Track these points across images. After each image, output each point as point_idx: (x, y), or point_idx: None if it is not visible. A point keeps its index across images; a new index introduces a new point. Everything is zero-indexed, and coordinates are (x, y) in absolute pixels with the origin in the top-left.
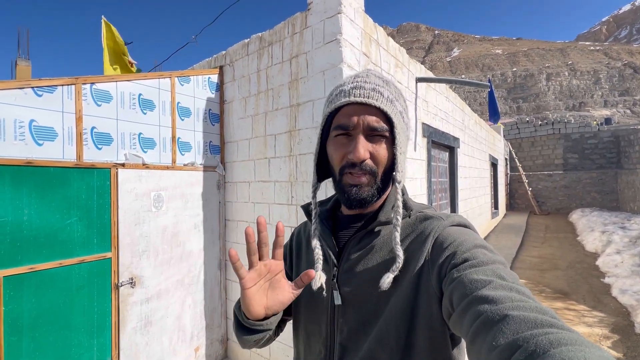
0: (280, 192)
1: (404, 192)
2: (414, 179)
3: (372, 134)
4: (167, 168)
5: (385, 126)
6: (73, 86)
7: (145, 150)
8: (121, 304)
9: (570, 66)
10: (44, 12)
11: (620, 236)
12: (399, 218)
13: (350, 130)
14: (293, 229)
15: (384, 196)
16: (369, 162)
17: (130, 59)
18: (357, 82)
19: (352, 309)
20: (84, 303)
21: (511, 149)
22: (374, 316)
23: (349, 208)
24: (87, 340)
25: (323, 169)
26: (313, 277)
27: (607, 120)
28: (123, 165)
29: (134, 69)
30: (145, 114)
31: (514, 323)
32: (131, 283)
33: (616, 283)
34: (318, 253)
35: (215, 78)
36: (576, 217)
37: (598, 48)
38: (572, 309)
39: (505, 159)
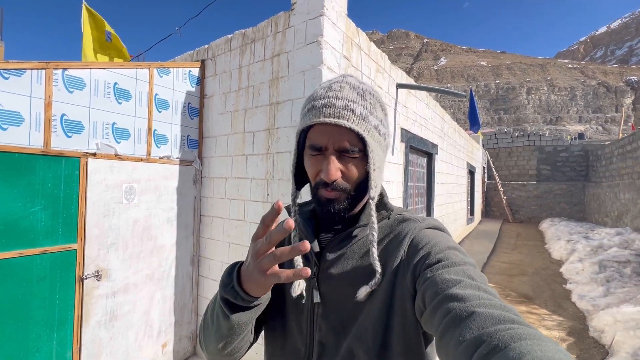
0: (256, 190)
1: (383, 195)
2: (390, 183)
3: (344, 154)
4: (142, 160)
5: (356, 147)
6: (43, 71)
7: (118, 140)
8: (85, 297)
9: (550, 82)
10: None
11: (583, 245)
12: (374, 234)
13: (322, 150)
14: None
15: (364, 200)
16: (339, 181)
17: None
18: (328, 97)
19: (331, 308)
20: (45, 295)
21: (489, 158)
22: (353, 315)
23: (325, 220)
24: (46, 334)
25: (300, 175)
26: (308, 248)
27: (580, 135)
28: (94, 154)
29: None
30: (120, 103)
31: (479, 319)
32: (97, 276)
33: (576, 289)
34: (298, 260)
35: (196, 72)
36: (546, 226)
37: (575, 66)
38: (534, 312)
39: (483, 167)
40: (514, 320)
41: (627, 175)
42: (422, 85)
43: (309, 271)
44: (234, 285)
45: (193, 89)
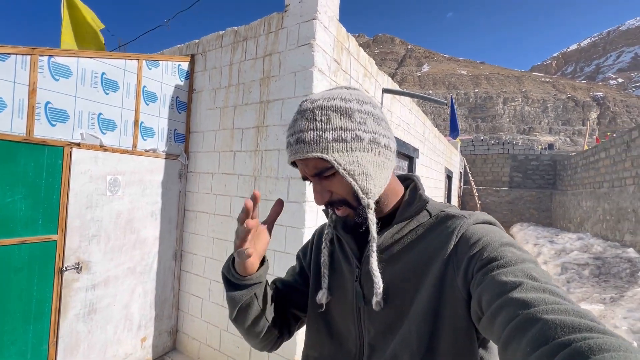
0: (243, 186)
1: (418, 188)
2: None
3: (322, 176)
4: (127, 152)
5: (325, 166)
6: (29, 56)
7: (104, 131)
8: (64, 290)
9: (524, 93)
10: None
11: (548, 249)
12: (374, 245)
13: (308, 179)
14: (318, 227)
15: (395, 200)
16: (334, 197)
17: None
18: (288, 136)
19: (376, 311)
20: (21, 287)
21: (466, 163)
22: (399, 317)
23: (351, 233)
24: (22, 326)
25: None
26: (251, 204)
27: (550, 146)
28: (78, 145)
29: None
30: (107, 94)
31: (549, 328)
32: (77, 268)
33: None
34: (324, 272)
35: (185, 66)
36: (516, 230)
37: (548, 80)
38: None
39: (460, 172)
40: (592, 327)
41: (589, 184)
42: (406, 91)
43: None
44: (229, 264)
45: (182, 83)
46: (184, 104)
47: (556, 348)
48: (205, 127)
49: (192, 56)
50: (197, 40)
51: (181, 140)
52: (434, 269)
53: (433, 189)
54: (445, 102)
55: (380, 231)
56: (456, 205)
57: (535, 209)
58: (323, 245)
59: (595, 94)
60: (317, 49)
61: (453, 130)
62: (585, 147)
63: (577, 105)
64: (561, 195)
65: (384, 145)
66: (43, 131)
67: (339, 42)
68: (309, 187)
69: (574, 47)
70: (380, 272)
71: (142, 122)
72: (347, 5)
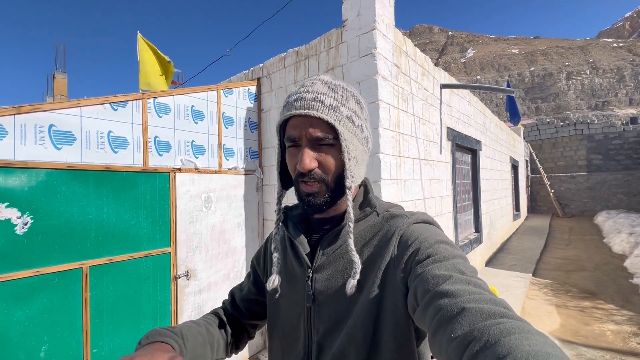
0: None
1: (369, 192)
2: (440, 181)
3: (318, 144)
4: (215, 172)
5: (329, 135)
6: (140, 100)
7: (197, 156)
8: (179, 294)
9: (592, 64)
10: (81, 32)
11: None
12: (351, 225)
13: (297, 142)
14: (269, 233)
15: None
16: (317, 171)
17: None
18: (300, 92)
19: (326, 308)
20: (149, 292)
21: (531, 150)
22: (346, 314)
23: (308, 214)
24: (151, 325)
25: (289, 176)
26: None
27: (633, 120)
28: (179, 169)
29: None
30: (196, 123)
31: (470, 315)
32: (187, 275)
33: None
34: (275, 256)
35: (253, 89)
36: (602, 219)
37: (621, 45)
38: (600, 307)
39: (526, 160)
40: (504, 314)
41: None
42: (465, 84)
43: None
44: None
45: (252, 105)
46: (255, 123)
47: (475, 332)
48: (275, 142)
49: (258, 79)
50: (260, 65)
51: (255, 157)
52: (378, 267)
53: (499, 181)
54: (512, 90)
55: (331, 230)
56: (401, 206)
57: (623, 194)
58: (272, 247)
59: None
60: (379, 57)
61: (513, 116)
62: None
63: None
64: None
65: (369, 148)
66: (154, 161)
67: (397, 46)
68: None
69: None
70: (328, 271)
71: (224, 144)
72: None
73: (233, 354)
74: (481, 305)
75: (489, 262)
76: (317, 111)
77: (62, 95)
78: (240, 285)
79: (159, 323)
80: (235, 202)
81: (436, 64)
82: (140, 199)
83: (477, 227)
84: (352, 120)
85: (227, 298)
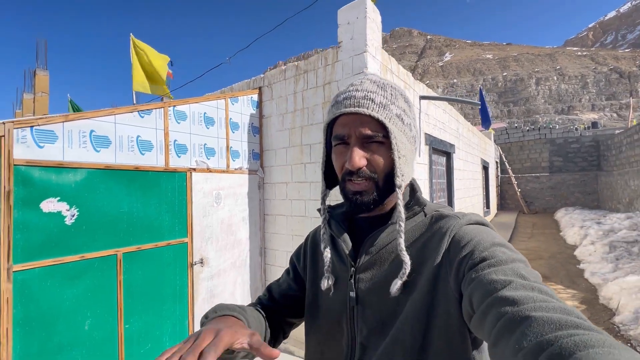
0: (315, 191)
1: (416, 191)
2: (419, 180)
3: (367, 142)
4: (224, 172)
5: (379, 133)
6: (162, 109)
7: (208, 157)
8: (195, 279)
9: (559, 71)
10: (64, 28)
11: (595, 230)
12: (402, 224)
13: (346, 140)
14: (309, 232)
15: (394, 196)
16: (365, 169)
17: (169, 70)
18: (349, 91)
19: (370, 309)
20: (170, 277)
21: (501, 152)
22: (392, 317)
23: (354, 214)
24: (172, 306)
25: (332, 176)
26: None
27: (594, 124)
28: (194, 169)
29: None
30: (208, 128)
31: (537, 325)
32: (201, 263)
33: (588, 268)
34: (327, 256)
35: (255, 97)
36: (560, 215)
37: (585, 53)
38: (550, 287)
39: (496, 162)
40: (578, 324)
41: (636, 162)
42: (440, 96)
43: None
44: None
45: (254, 112)
46: (257, 128)
47: (543, 345)
48: (276, 145)
49: (260, 88)
50: (262, 75)
51: (257, 158)
52: (428, 269)
53: (471, 181)
54: (478, 103)
55: (378, 229)
56: (450, 207)
57: (580, 193)
58: (322, 247)
59: None
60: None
61: (485, 121)
62: (634, 122)
63: (622, 76)
64: (607, 176)
65: (416, 147)
66: (173, 162)
67: (384, 65)
68: None
69: (612, 14)
70: (372, 271)
71: (231, 147)
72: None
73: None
74: (549, 315)
75: None
76: (367, 109)
77: (44, 93)
78: (278, 281)
79: (178, 305)
80: (241, 199)
81: (415, 67)
82: (163, 195)
83: None
84: (402, 119)
85: (263, 294)
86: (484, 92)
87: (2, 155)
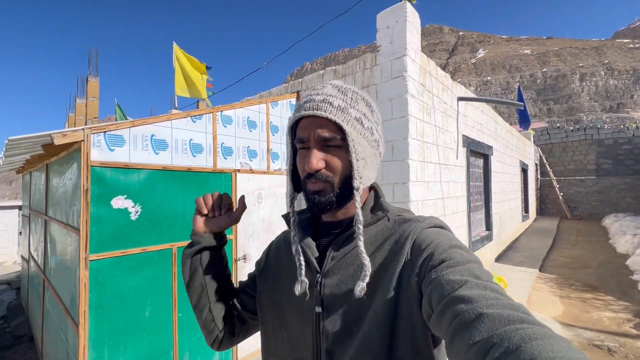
0: None
1: (380, 195)
2: (456, 183)
3: (326, 144)
4: (264, 173)
5: (337, 135)
6: (211, 114)
7: (251, 159)
8: (238, 274)
9: (607, 65)
10: (113, 38)
11: None
12: (360, 227)
13: (306, 143)
14: (271, 241)
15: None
16: (323, 171)
17: (208, 77)
18: (310, 95)
19: (336, 314)
20: None
21: (541, 154)
22: (358, 321)
23: (314, 213)
24: None
25: (298, 180)
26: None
27: None
28: (239, 170)
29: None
30: (251, 131)
31: (488, 321)
32: (244, 259)
33: None
34: (300, 259)
35: (294, 101)
36: (609, 221)
37: (638, 45)
38: (600, 299)
39: (536, 164)
40: (524, 319)
41: None
42: (479, 97)
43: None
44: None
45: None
46: None
47: (494, 339)
48: None
49: (298, 92)
50: (300, 80)
51: None
52: (392, 272)
53: (509, 184)
54: (521, 104)
55: (341, 234)
56: (412, 211)
57: (632, 198)
58: (295, 248)
59: None
60: (409, 79)
61: (524, 121)
62: None
63: None
64: None
65: (381, 152)
66: (221, 163)
67: (423, 68)
68: (416, 185)
69: None
70: (337, 275)
71: (271, 149)
72: (384, 3)
73: (226, 338)
74: (499, 311)
75: (499, 259)
76: (324, 112)
77: (94, 97)
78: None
79: None
80: (280, 199)
81: (446, 65)
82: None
83: (488, 226)
84: (361, 122)
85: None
86: (522, 91)
87: (82, 157)
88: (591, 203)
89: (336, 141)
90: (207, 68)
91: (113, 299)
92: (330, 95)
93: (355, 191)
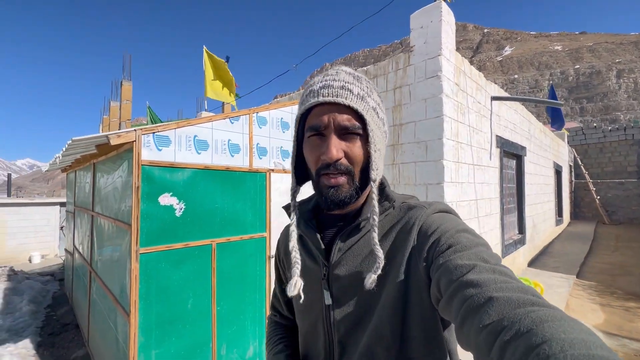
0: None
1: (385, 185)
2: (489, 184)
3: (344, 133)
4: None
5: (357, 124)
6: (247, 115)
7: (284, 159)
8: (271, 271)
9: None
10: (147, 42)
11: None
12: (375, 218)
13: (322, 131)
14: (277, 240)
15: (366, 192)
16: (343, 161)
17: (235, 83)
18: (325, 80)
19: (346, 306)
20: (251, 267)
21: (576, 155)
22: (368, 311)
23: (328, 210)
24: (253, 294)
25: (302, 172)
26: None
27: None
28: (273, 170)
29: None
30: (284, 132)
31: (498, 304)
32: None
33: None
34: (295, 257)
35: None
36: None
37: None
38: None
39: (570, 165)
40: (534, 302)
41: None
42: (515, 97)
43: None
44: None
45: None
46: None
47: (504, 322)
48: None
49: None
50: None
51: None
52: (400, 260)
53: (542, 186)
54: (562, 103)
55: (349, 225)
56: (416, 196)
57: None
58: (291, 246)
59: None
60: (444, 79)
61: (557, 121)
62: None
63: None
64: None
65: (386, 143)
66: (256, 163)
67: (457, 67)
68: (450, 187)
69: None
70: (346, 267)
71: None
72: (406, 3)
73: None
74: (509, 294)
75: (532, 264)
76: (346, 99)
77: (128, 101)
78: (275, 294)
79: (257, 293)
80: None
81: (470, 63)
82: (247, 193)
83: (521, 229)
84: (377, 113)
85: (272, 314)
86: (554, 90)
87: (133, 156)
88: (631, 207)
89: (356, 130)
90: (227, 59)
91: (159, 291)
92: (348, 82)
93: (372, 182)
